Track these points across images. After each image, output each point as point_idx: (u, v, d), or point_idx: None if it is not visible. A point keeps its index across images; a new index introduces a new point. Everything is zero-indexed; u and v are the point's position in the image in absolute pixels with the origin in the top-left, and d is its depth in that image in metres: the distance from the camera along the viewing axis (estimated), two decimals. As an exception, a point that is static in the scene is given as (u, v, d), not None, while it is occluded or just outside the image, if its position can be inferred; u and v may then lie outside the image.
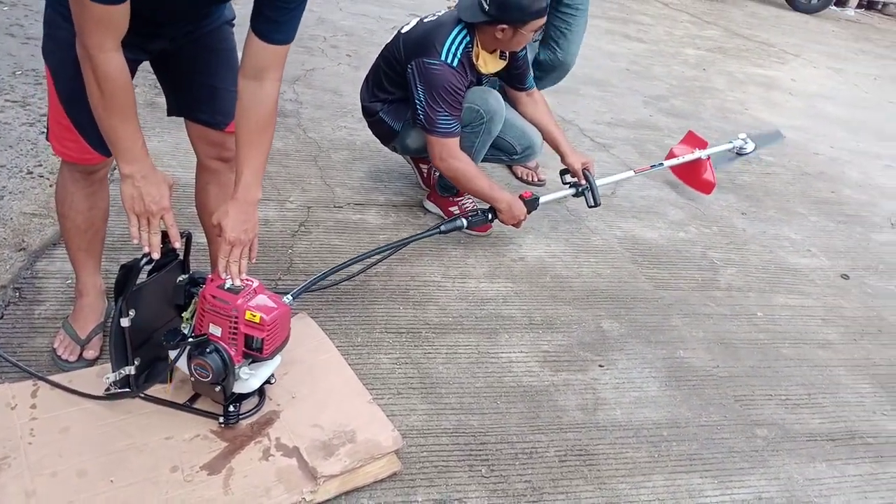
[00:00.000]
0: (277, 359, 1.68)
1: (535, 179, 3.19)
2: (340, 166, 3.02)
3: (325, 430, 1.69)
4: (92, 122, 1.54)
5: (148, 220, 1.51)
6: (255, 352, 1.58)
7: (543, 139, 2.74)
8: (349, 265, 2.20)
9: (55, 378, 1.70)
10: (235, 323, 1.56)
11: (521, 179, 3.19)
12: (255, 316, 1.56)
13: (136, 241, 1.52)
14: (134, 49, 1.56)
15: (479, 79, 2.53)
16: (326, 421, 1.72)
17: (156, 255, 1.54)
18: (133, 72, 1.65)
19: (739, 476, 1.86)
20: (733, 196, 3.44)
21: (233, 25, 1.76)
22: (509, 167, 3.22)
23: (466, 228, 2.54)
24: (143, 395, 1.69)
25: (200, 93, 1.72)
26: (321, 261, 2.38)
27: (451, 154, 2.40)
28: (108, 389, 1.66)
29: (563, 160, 2.72)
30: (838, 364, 2.39)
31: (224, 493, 1.52)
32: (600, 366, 2.17)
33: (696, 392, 2.14)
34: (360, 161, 3.09)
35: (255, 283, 1.64)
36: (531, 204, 2.61)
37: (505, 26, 2.30)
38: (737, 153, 3.40)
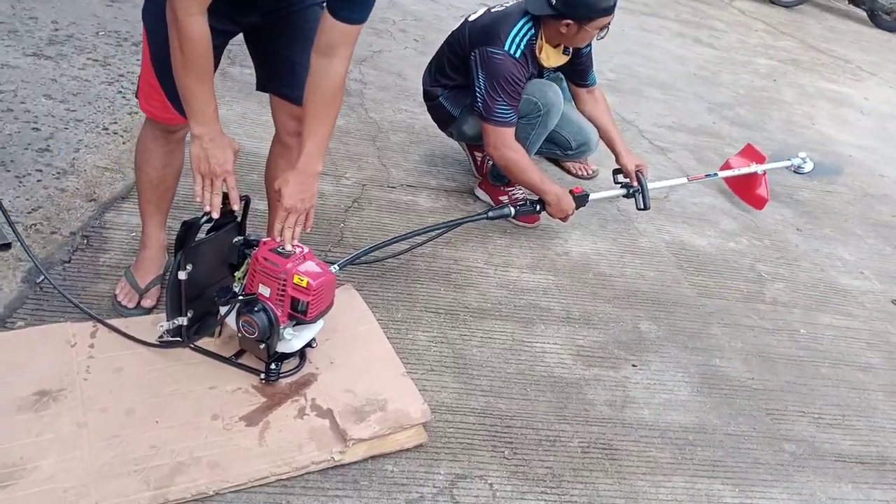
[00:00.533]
0: (320, 323, 1.77)
1: (587, 173, 3.19)
2: (397, 148, 3.09)
3: (359, 396, 1.77)
4: (173, 82, 1.64)
5: (211, 180, 1.60)
6: (300, 314, 1.66)
7: (600, 137, 2.76)
8: (396, 241, 2.27)
9: (113, 322, 1.82)
10: (284, 285, 1.64)
11: (573, 174, 3.20)
12: (302, 280, 1.63)
13: (198, 200, 1.61)
14: (226, 20, 1.65)
15: (540, 72, 2.56)
16: (361, 388, 1.79)
17: (215, 215, 1.63)
18: (224, 43, 1.75)
19: (762, 487, 1.87)
20: (790, 211, 3.39)
21: (323, 8, 1.82)
22: (559, 163, 3.24)
23: (513, 217, 2.59)
24: (192, 346, 1.79)
25: (283, 67, 1.79)
26: (370, 237, 2.45)
27: (505, 143, 2.44)
28: (161, 337, 1.77)
29: (617, 160, 2.73)
30: (877, 389, 2.36)
31: (259, 444, 1.61)
32: (633, 365, 2.19)
33: (728, 401, 2.14)
34: (417, 144, 3.15)
35: (305, 250, 1.72)
36: (581, 200, 2.63)
37: (570, 21, 2.32)
38: (794, 171, 3.34)
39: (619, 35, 5.55)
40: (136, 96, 1.79)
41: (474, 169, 2.99)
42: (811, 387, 2.29)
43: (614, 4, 2.34)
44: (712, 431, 2.02)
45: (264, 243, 1.71)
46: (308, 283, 1.63)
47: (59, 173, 2.39)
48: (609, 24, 2.41)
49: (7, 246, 1.99)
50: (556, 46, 2.47)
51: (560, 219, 2.58)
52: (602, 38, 2.50)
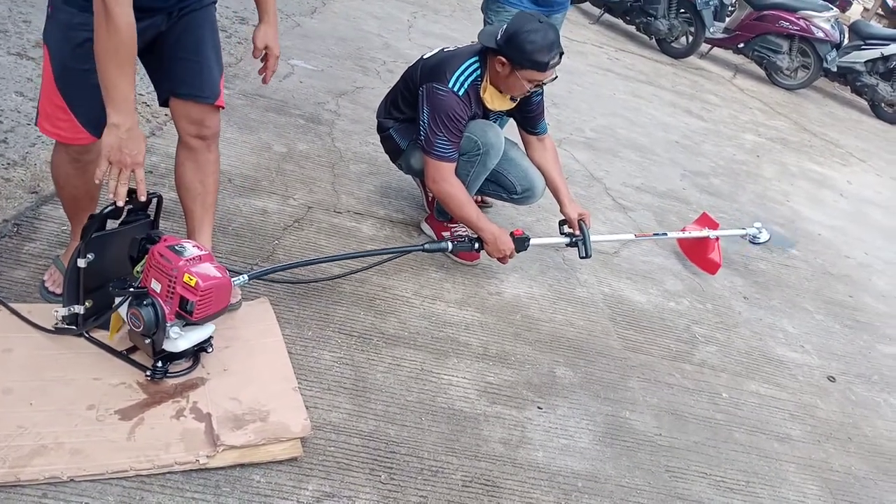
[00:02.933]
0: (210, 327, 1.79)
1: (479, 202, 3.14)
2: (354, 177, 3.15)
3: (243, 404, 1.78)
4: (82, 99, 1.69)
5: (120, 170, 1.63)
6: (186, 314, 1.69)
7: (546, 185, 2.80)
8: (317, 262, 2.31)
9: (15, 306, 1.85)
10: (174, 282, 1.67)
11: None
12: (192, 279, 1.67)
13: (97, 181, 1.64)
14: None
15: (485, 113, 2.62)
16: (246, 397, 1.80)
17: (120, 203, 1.65)
18: None
19: (639, 540, 1.84)
20: (742, 280, 3.40)
21: (215, 8, 1.91)
22: None
23: (450, 252, 2.62)
24: (86, 336, 1.82)
25: (187, 68, 1.84)
26: (302, 256, 2.49)
27: (443, 178, 2.49)
28: (56, 324, 1.79)
29: (561, 209, 2.77)
30: (791, 460, 2.33)
31: (127, 438, 1.62)
32: (539, 407, 2.18)
33: (628, 454, 2.12)
34: (375, 176, 3.21)
35: (205, 252, 1.75)
36: (521, 243, 2.65)
37: (504, 61, 2.39)
38: (749, 241, 3.37)
39: (609, 98, 5.66)
40: (36, 124, 1.80)
41: (425, 204, 3.04)
42: (720, 450, 2.26)
43: (548, 64, 2.38)
44: (604, 481, 2.00)
45: (164, 239, 1.74)
46: (197, 283, 1.66)
47: (8, 164, 2.46)
48: (542, 82, 2.46)
49: (-68, 225, 2.05)
50: (500, 91, 2.54)
51: (498, 258, 2.60)
52: (538, 94, 2.56)
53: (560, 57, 2.43)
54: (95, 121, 1.73)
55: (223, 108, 1.96)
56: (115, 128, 1.60)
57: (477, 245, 2.59)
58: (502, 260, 2.61)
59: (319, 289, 2.35)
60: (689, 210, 3.95)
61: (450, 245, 2.55)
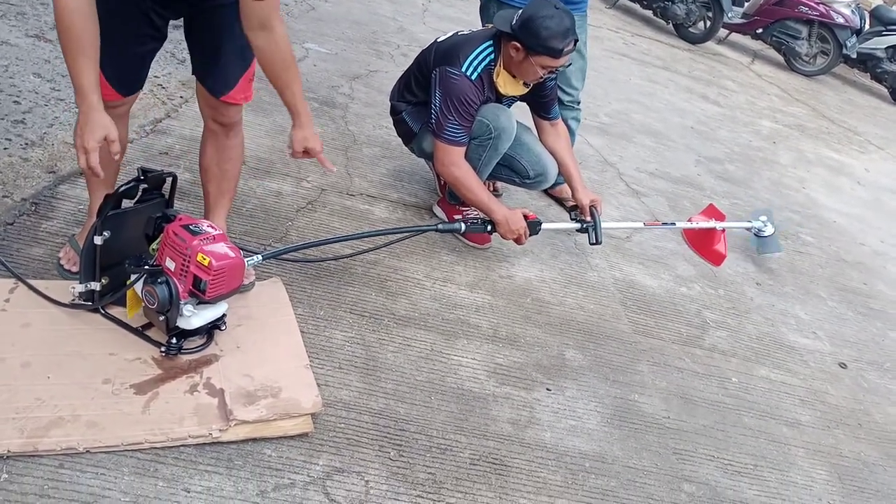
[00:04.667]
0: (223, 305, 1.81)
1: (491, 189, 3.15)
2: (367, 160, 3.16)
3: (255, 381, 1.81)
4: (111, 58, 1.72)
5: (81, 153, 1.62)
6: (200, 292, 1.71)
7: (559, 171, 2.80)
8: (331, 242, 2.33)
9: (34, 282, 1.89)
10: (187, 261, 1.70)
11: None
12: (205, 259, 1.69)
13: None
14: (152, 13, 1.75)
15: (498, 98, 2.62)
16: (259, 374, 1.83)
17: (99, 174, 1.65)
18: (164, 27, 1.83)
19: (646, 520, 1.86)
20: (754, 266, 3.39)
21: None
22: (559, 202, 3.30)
23: (463, 234, 2.63)
24: (103, 312, 1.85)
25: (208, 60, 1.88)
26: (315, 238, 2.51)
27: (452, 161, 2.50)
28: (73, 300, 1.83)
29: (572, 195, 2.77)
30: (800, 445, 2.33)
31: (142, 411, 1.65)
32: (548, 389, 2.20)
33: (636, 435, 2.14)
34: (388, 159, 3.23)
35: (218, 232, 1.77)
36: (532, 227, 2.66)
37: (519, 46, 2.39)
38: (755, 234, 3.36)
39: (624, 83, 5.63)
40: None
41: (438, 187, 3.04)
42: (728, 434, 2.27)
43: (562, 50, 2.37)
44: (611, 462, 2.01)
45: (179, 219, 1.77)
46: (210, 262, 1.69)
47: (27, 144, 2.49)
48: (556, 69, 2.46)
49: (-47, 203, 2.09)
50: (514, 76, 2.53)
51: (513, 240, 2.60)
52: (551, 80, 2.56)
53: (575, 43, 2.42)
54: (122, 78, 1.81)
55: (238, 104, 1.96)
56: (80, 110, 1.62)
57: (489, 227, 2.60)
58: (518, 241, 2.61)
59: (331, 269, 2.38)
60: (703, 196, 3.94)
61: (463, 226, 2.56)
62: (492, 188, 3.19)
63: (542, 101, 2.72)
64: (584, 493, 1.88)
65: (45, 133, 2.59)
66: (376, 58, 4.38)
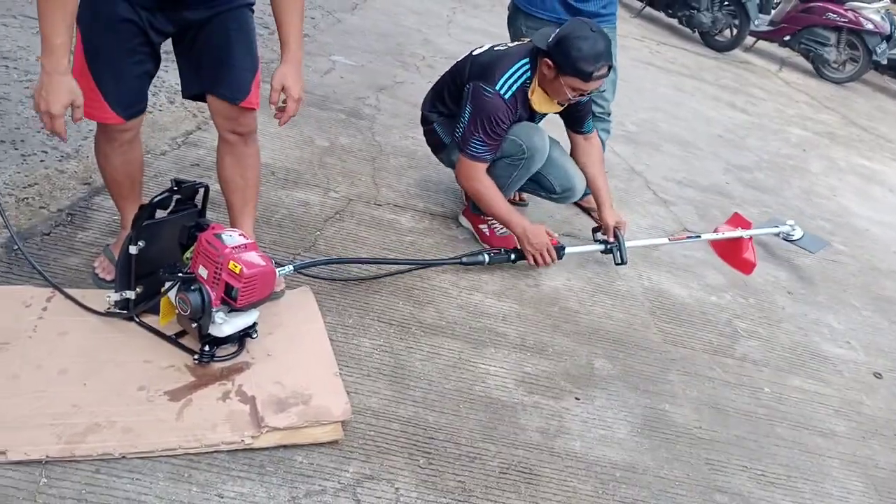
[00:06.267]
0: (254, 313, 1.84)
1: (518, 199, 3.18)
2: (394, 170, 3.19)
3: (286, 388, 1.82)
4: (109, 79, 1.75)
5: (45, 118, 1.60)
6: (231, 300, 1.74)
7: (587, 186, 2.80)
8: (363, 262, 2.37)
9: (70, 291, 1.93)
10: (219, 269, 1.73)
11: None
12: (236, 267, 1.72)
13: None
14: (161, 18, 1.76)
15: (532, 115, 2.62)
16: (289, 381, 1.85)
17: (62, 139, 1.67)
18: (158, 47, 1.83)
19: (678, 531, 1.84)
20: (786, 274, 3.34)
21: (252, 10, 1.92)
22: (588, 212, 3.27)
23: (488, 264, 2.60)
24: (137, 321, 1.88)
25: (220, 69, 1.87)
26: (343, 247, 2.54)
27: (474, 176, 2.52)
28: (108, 308, 1.86)
29: (598, 212, 2.77)
30: (835, 456, 2.29)
31: (176, 418, 1.67)
32: (577, 398, 2.19)
33: (667, 446, 2.11)
34: (415, 169, 3.25)
35: (250, 241, 1.80)
36: (555, 252, 2.68)
37: (551, 64, 2.39)
38: (783, 238, 3.32)
39: (651, 92, 5.60)
40: None
41: (464, 196, 3.05)
42: (761, 444, 2.24)
43: (591, 74, 2.35)
44: (642, 472, 1.99)
45: (212, 227, 1.80)
46: (242, 270, 1.71)
47: (62, 156, 2.56)
48: (586, 92, 2.44)
49: (-8, 214, 2.15)
50: (548, 94, 2.52)
51: (536, 260, 2.58)
52: (584, 101, 2.55)
53: (608, 70, 2.40)
54: (123, 101, 1.81)
55: (255, 108, 1.95)
56: (43, 69, 1.57)
57: (514, 256, 2.61)
58: (541, 260, 2.58)
59: (359, 279, 2.39)
60: (733, 204, 3.90)
61: (487, 258, 2.55)
62: (518, 198, 3.19)
63: (576, 115, 2.70)
64: (615, 503, 1.86)
65: (79, 146, 2.65)
66: (402, 69, 4.42)
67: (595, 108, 3.02)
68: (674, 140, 4.69)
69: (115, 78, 1.75)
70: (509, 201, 3.12)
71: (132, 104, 1.84)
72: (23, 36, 3.28)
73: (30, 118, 2.69)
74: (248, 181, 2.09)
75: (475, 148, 2.49)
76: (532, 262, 2.59)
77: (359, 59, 4.35)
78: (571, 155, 2.81)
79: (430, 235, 2.79)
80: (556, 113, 2.68)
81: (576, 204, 3.33)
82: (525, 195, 3.21)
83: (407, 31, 5.18)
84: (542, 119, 2.83)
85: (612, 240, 2.74)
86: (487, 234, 2.80)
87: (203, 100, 1.95)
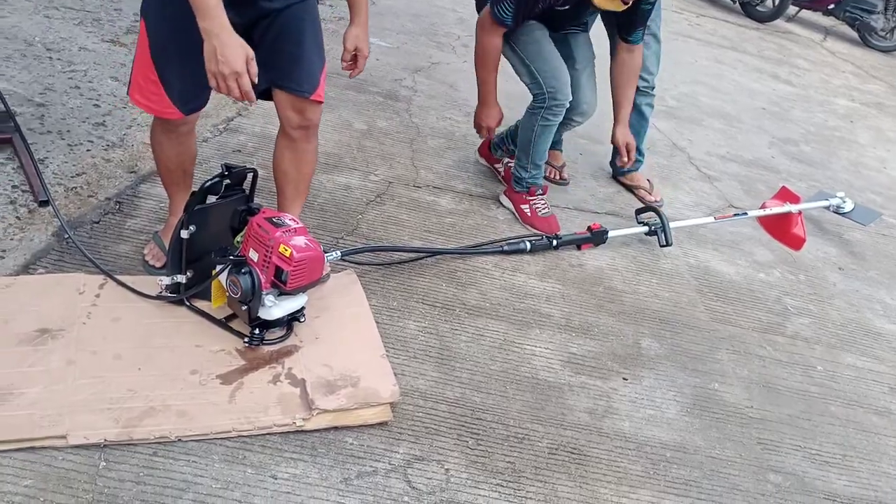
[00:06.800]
0: (302, 297, 1.85)
1: (559, 178, 3.15)
2: (432, 151, 3.17)
3: (334, 371, 1.83)
4: (174, 75, 1.75)
5: (224, 83, 1.57)
6: (281, 283, 1.75)
7: (612, 94, 2.79)
8: (408, 251, 2.38)
9: (122, 278, 1.96)
10: (270, 252, 1.74)
11: (543, 176, 3.04)
12: (286, 250, 1.72)
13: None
14: (230, 12, 1.72)
15: (580, 11, 2.54)
16: (337, 364, 1.86)
17: (251, 99, 1.62)
18: None
19: (732, 511, 1.81)
20: (836, 249, 3.25)
21: (318, 1, 1.93)
22: (631, 190, 3.25)
23: (529, 251, 2.58)
24: (188, 305, 1.91)
25: (291, 62, 1.85)
26: (384, 230, 2.54)
27: (487, 30, 2.54)
28: (160, 292, 1.89)
29: (613, 127, 2.81)
30: (891, 435, 2.23)
31: (228, 401, 1.70)
32: (624, 378, 2.16)
33: (718, 425, 2.08)
34: (453, 150, 3.22)
35: (300, 225, 1.81)
36: (599, 236, 2.68)
37: None
38: (833, 211, 3.23)
39: (690, 65, 5.47)
40: (128, 93, 1.87)
41: (501, 178, 3.03)
42: (815, 423, 2.19)
43: None
44: (693, 452, 1.97)
45: (263, 212, 1.81)
46: (292, 253, 1.72)
47: (108, 146, 2.59)
48: None
49: (45, 203, 2.20)
50: None
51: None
52: (647, 7, 2.54)
53: None
54: (184, 97, 1.80)
55: (321, 102, 1.94)
56: (206, 34, 1.54)
57: (556, 243, 2.60)
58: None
59: (402, 262, 2.39)
60: (779, 179, 3.80)
61: (528, 245, 2.56)
62: (559, 176, 3.15)
63: (631, 20, 2.62)
64: (667, 484, 1.84)
65: (124, 134, 2.68)
66: (437, 50, 4.38)
67: (640, 83, 2.96)
68: (716, 114, 4.58)
69: (179, 73, 1.75)
70: (550, 179, 3.11)
71: (192, 100, 1.83)
72: (65, 27, 3.32)
73: (75, 108, 2.74)
74: (303, 175, 2.09)
75: (502, 9, 2.43)
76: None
77: (394, 40, 4.33)
78: (610, 65, 2.78)
79: (470, 217, 2.77)
80: (614, 12, 2.52)
81: (618, 181, 3.29)
82: (566, 174, 3.17)
83: (440, 11, 5.14)
84: (593, 21, 2.75)
85: (655, 220, 2.73)
86: (529, 213, 2.77)
87: (269, 98, 1.92)
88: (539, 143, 2.66)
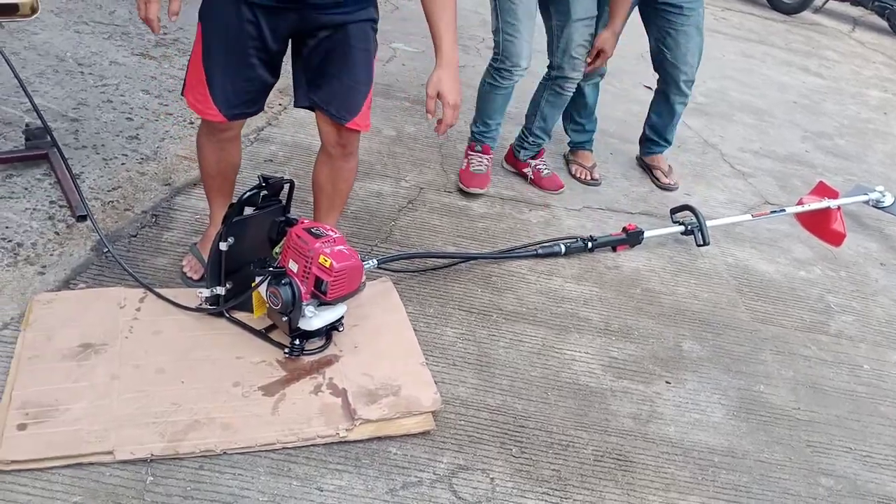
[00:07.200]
0: (342, 307, 1.84)
1: (590, 178, 3.15)
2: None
3: (375, 380, 1.82)
4: (219, 79, 1.77)
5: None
6: (321, 293, 1.74)
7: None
8: (443, 257, 2.36)
9: (161, 291, 1.97)
10: (309, 263, 1.73)
11: (574, 177, 3.17)
12: (326, 261, 1.72)
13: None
14: (281, 22, 1.73)
15: None
16: (378, 373, 1.85)
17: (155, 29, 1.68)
18: (276, 52, 1.80)
19: (784, 517, 1.77)
20: (876, 245, 3.18)
21: (375, 29, 1.85)
22: (567, 162, 3.26)
23: (563, 255, 2.55)
24: (228, 316, 1.91)
25: (332, 87, 1.81)
26: (418, 237, 2.52)
27: None
28: (200, 304, 1.90)
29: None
30: (946, 436, 2.17)
31: (271, 412, 1.69)
32: (667, 382, 2.12)
33: (765, 428, 2.04)
34: (483, 153, 3.20)
35: (338, 235, 1.80)
36: (634, 237, 2.64)
37: None
38: (873, 206, 3.15)
39: (718, 60, 5.40)
40: (182, 93, 1.88)
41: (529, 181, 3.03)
42: (865, 423, 2.13)
43: None
44: (742, 456, 1.92)
45: (302, 222, 1.81)
46: (332, 264, 1.71)
47: (142, 159, 2.61)
48: None
49: (83, 218, 2.22)
50: None
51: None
52: None
53: None
54: (228, 101, 1.81)
55: (359, 130, 1.90)
56: None
57: (591, 245, 2.58)
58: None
59: (436, 268, 2.37)
60: (814, 174, 3.73)
61: (563, 248, 2.54)
62: (589, 177, 3.12)
63: None
64: (716, 490, 1.81)
65: (158, 147, 2.70)
66: (462, 52, 4.36)
67: (680, 76, 2.98)
68: (746, 109, 4.51)
69: (224, 77, 1.76)
70: (581, 179, 3.10)
71: (236, 105, 1.82)
72: (95, 42, 3.36)
73: (108, 122, 2.77)
74: (339, 191, 2.06)
75: None
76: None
77: (419, 44, 4.32)
78: None
79: (502, 220, 2.75)
80: None
81: (640, 161, 3.37)
82: (598, 174, 3.14)
83: (464, 14, 5.10)
84: None
85: (691, 219, 2.70)
86: (532, 177, 2.91)
87: (312, 109, 1.91)
88: (484, 101, 2.79)
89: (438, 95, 1.74)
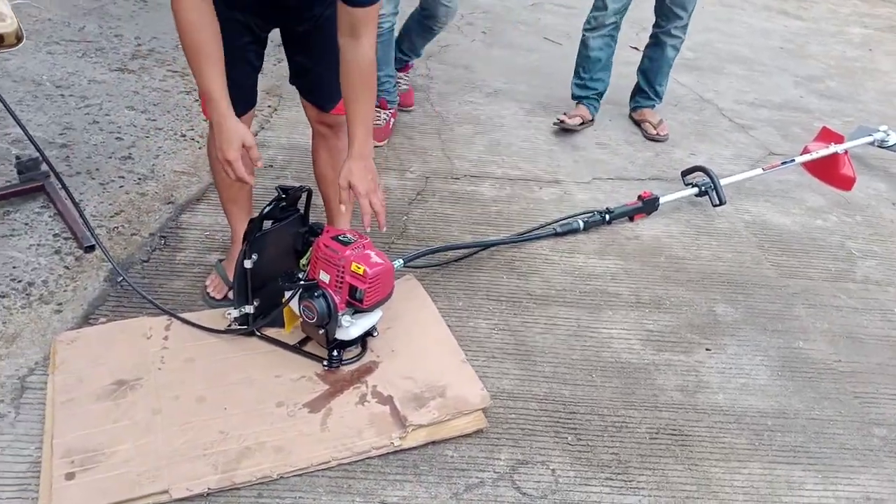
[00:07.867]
0: (378, 313, 1.79)
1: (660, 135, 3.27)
2: (462, 139, 3.09)
3: (419, 382, 1.78)
4: (230, 86, 1.69)
5: (225, 164, 1.62)
6: (357, 301, 1.69)
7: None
8: (464, 248, 2.31)
9: (186, 315, 1.90)
10: (342, 272, 1.67)
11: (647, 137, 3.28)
12: (359, 268, 1.66)
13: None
14: (259, 21, 1.71)
15: None
16: (420, 375, 1.80)
17: (249, 181, 1.65)
18: (264, 40, 1.79)
19: (847, 474, 1.75)
20: (885, 185, 3.16)
21: None
22: (638, 124, 3.31)
23: (582, 230, 2.51)
24: (259, 335, 1.85)
25: (311, 77, 1.85)
26: (433, 228, 2.47)
27: None
28: (229, 325, 1.84)
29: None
30: None
31: (321, 429, 1.64)
32: (707, 349, 2.10)
33: (811, 384, 2.02)
34: (482, 135, 3.14)
35: (366, 240, 1.74)
36: (650, 205, 2.61)
37: None
38: (878, 146, 3.14)
39: (698, 11, 5.30)
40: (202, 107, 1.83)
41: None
42: (907, 369, 2.13)
43: None
44: (794, 416, 1.91)
45: (327, 231, 1.75)
46: (365, 270, 1.66)
47: (139, 179, 2.53)
48: None
49: (91, 248, 2.14)
50: None
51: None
52: None
53: None
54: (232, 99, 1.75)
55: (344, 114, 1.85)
56: (210, 122, 1.63)
57: (608, 217, 2.53)
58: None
59: (457, 258, 2.32)
60: (813, 119, 3.70)
61: (581, 224, 2.50)
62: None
63: None
64: (775, 453, 1.79)
65: (153, 165, 2.61)
66: (445, 32, 4.26)
67: (677, 22, 3.04)
68: (735, 59, 4.47)
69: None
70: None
71: (238, 98, 1.74)
72: (70, 61, 3.24)
73: (98, 145, 2.67)
74: None
75: None
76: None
77: (398, 27, 4.21)
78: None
79: (514, 202, 2.70)
80: None
81: (631, 118, 3.41)
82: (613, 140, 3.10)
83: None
84: None
85: (705, 179, 2.65)
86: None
87: None
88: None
89: (350, 186, 1.71)
